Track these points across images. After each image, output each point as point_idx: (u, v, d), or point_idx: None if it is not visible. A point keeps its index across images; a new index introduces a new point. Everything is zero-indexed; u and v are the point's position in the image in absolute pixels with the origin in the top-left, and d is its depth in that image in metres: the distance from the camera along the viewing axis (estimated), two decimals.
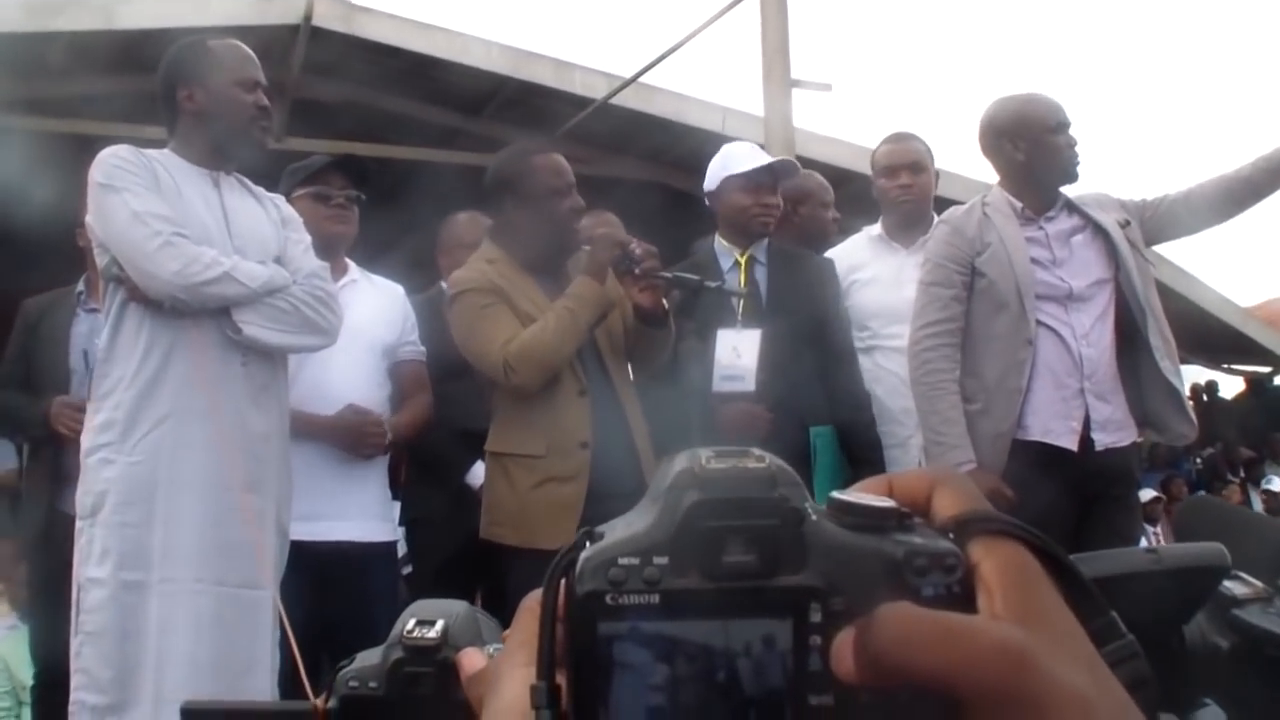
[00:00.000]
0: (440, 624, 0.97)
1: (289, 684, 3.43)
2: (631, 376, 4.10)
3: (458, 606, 1.01)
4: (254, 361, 3.49)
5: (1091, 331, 4.23)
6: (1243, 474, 14.69)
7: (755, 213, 4.56)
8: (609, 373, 4.05)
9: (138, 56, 8.80)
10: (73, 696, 3.33)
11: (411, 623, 0.98)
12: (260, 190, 3.78)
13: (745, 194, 4.58)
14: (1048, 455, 4.14)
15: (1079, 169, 4.36)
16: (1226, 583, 1.27)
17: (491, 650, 0.92)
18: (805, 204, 4.89)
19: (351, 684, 1.00)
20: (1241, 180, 4.24)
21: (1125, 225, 4.35)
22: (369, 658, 1.01)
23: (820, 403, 4.52)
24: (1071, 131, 4.33)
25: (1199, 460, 15.50)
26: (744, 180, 4.58)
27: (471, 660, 0.89)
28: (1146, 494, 10.78)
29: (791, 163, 4.86)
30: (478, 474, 4.57)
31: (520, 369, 3.87)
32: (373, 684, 0.99)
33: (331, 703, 1.01)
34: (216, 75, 3.58)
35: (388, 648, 0.99)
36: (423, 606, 1.01)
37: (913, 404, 4.59)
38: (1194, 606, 1.23)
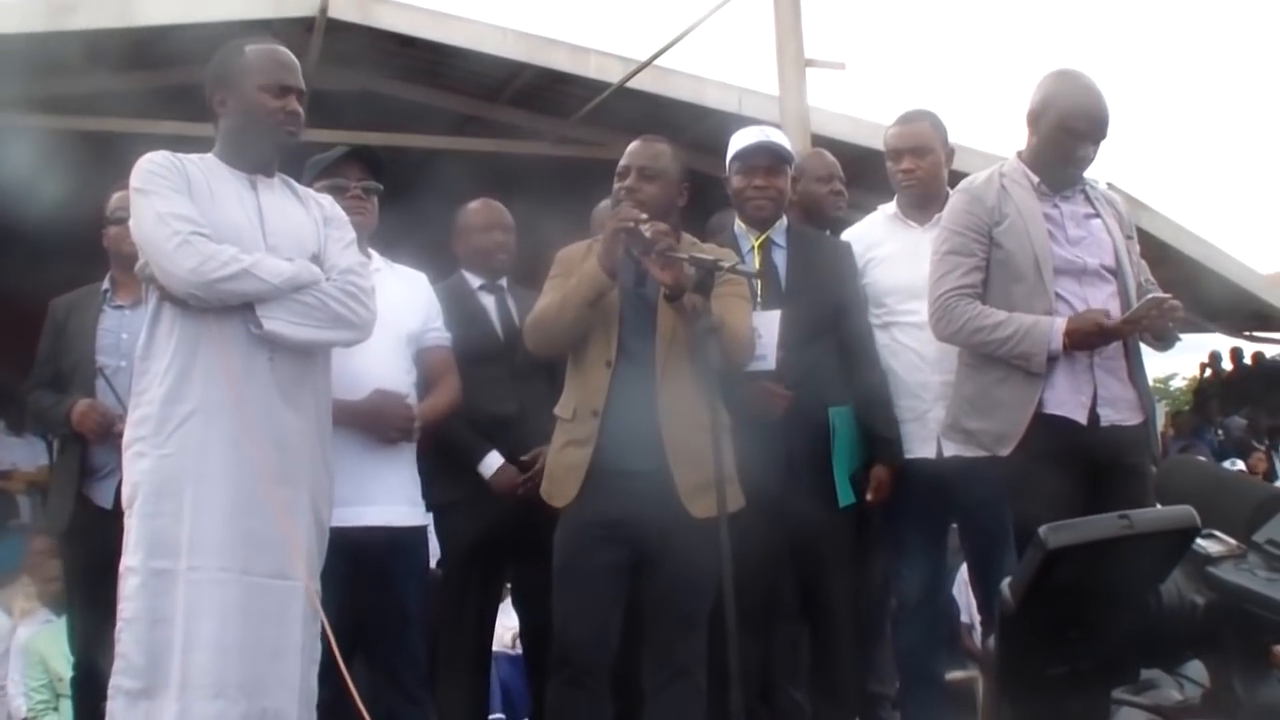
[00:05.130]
0: None
1: (327, 672, 3.52)
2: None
3: None
4: (281, 357, 3.56)
5: (1104, 307, 4.25)
6: (1267, 442, 14.65)
7: (749, 195, 4.60)
8: (653, 350, 4.12)
9: (154, 53, 8.88)
10: (111, 680, 3.44)
11: None
12: (305, 190, 3.87)
13: (740, 176, 4.63)
14: (1061, 428, 4.17)
15: (1077, 176, 4.39)
16: (1201, 541, 1.32)
17: None
18: (800, 180, 4.92)
19: None
20: None
21: (1129, 238, 4.44)
22: None
23: (839, 383, 4.56)
24: (1094, 146, 4.32)
25: (1220, 431, 15.49)
26: (739, 163, 4.64)
27: None
28: None
29: (771, 145, 4.69)
30: (490, 464, 4.68)
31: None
32: None
33: None
34: (246, 80, 3.64)
35: None
36: None
37: (930, 378, 4.65)
38: (1168, 567, 1.28)
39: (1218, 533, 1.34)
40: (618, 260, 4.02)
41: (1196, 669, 1.39)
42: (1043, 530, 1.18)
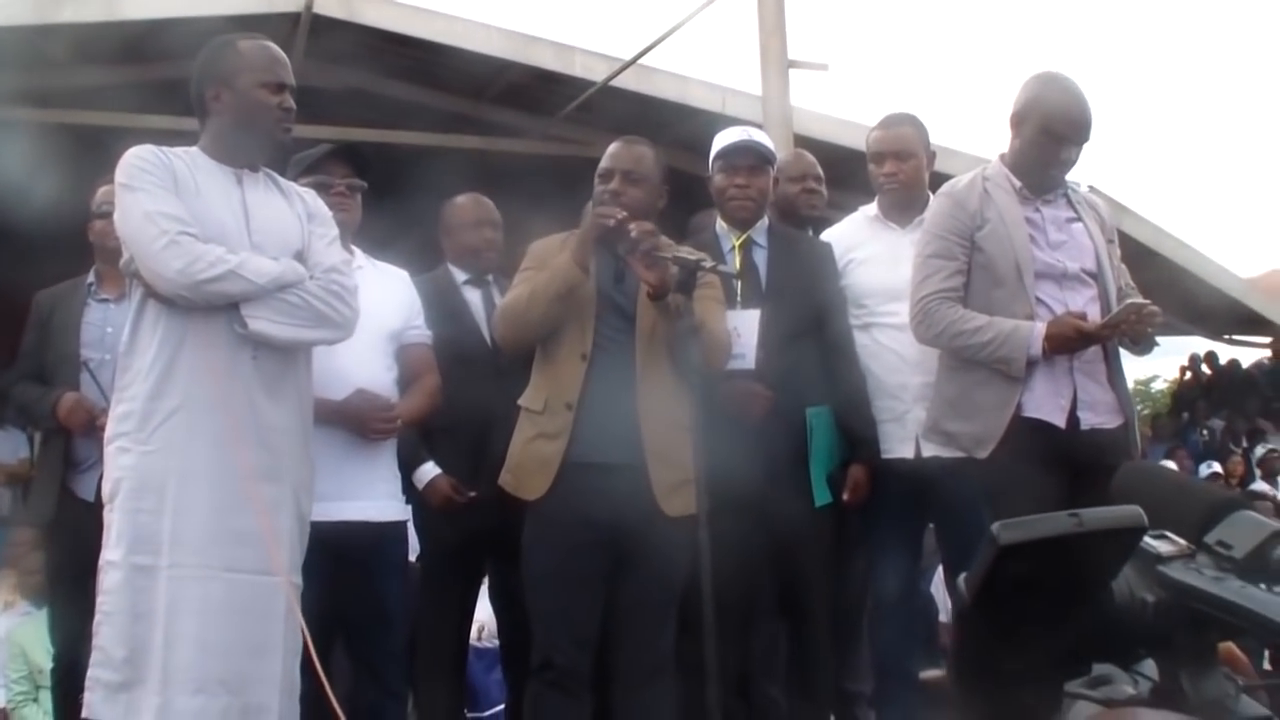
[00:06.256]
0: None
1: (308, 665, 3.54)
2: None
3: None
4: (265, 355, 3.57)
5: (1084, 310, 4.27)
6: (1245, 444, 14.72)
7: (731, 194, 4.64)
8: (630, 345, 4.13)
9: (141, 48, 8.89)
10: (89, 673, 3.45)
11: None
12: (290, 185, 3.87)
13: (722, 175, 4.67)
14: (1040, 431, 4.20)
15: (1058, 179, 4.42)
16: (1153, 542, 1.37)
17: None
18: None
19: None
20: None
21: (1110, 242, 4.46)
22: None
23: (817, 383, 4.58)
24: (1077, 149, 4.35)
25: (1205, 432, 15.54)
26: (721, 162, 4.67)
27: None
28: None
29: (754, 144, 4.72)
30: (422, 475, 4.73)
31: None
32: None
33: None
34: (243, 76, 3.64)
35: None
36: None
37: (909, 379, 4.67)
38: (1117, 564, 1.32)
39: (1169, 534, 1.38)
40: (591, 255, 4.05)
41: (1151, 666, 1.43)
42: (995, 527, 1.23)
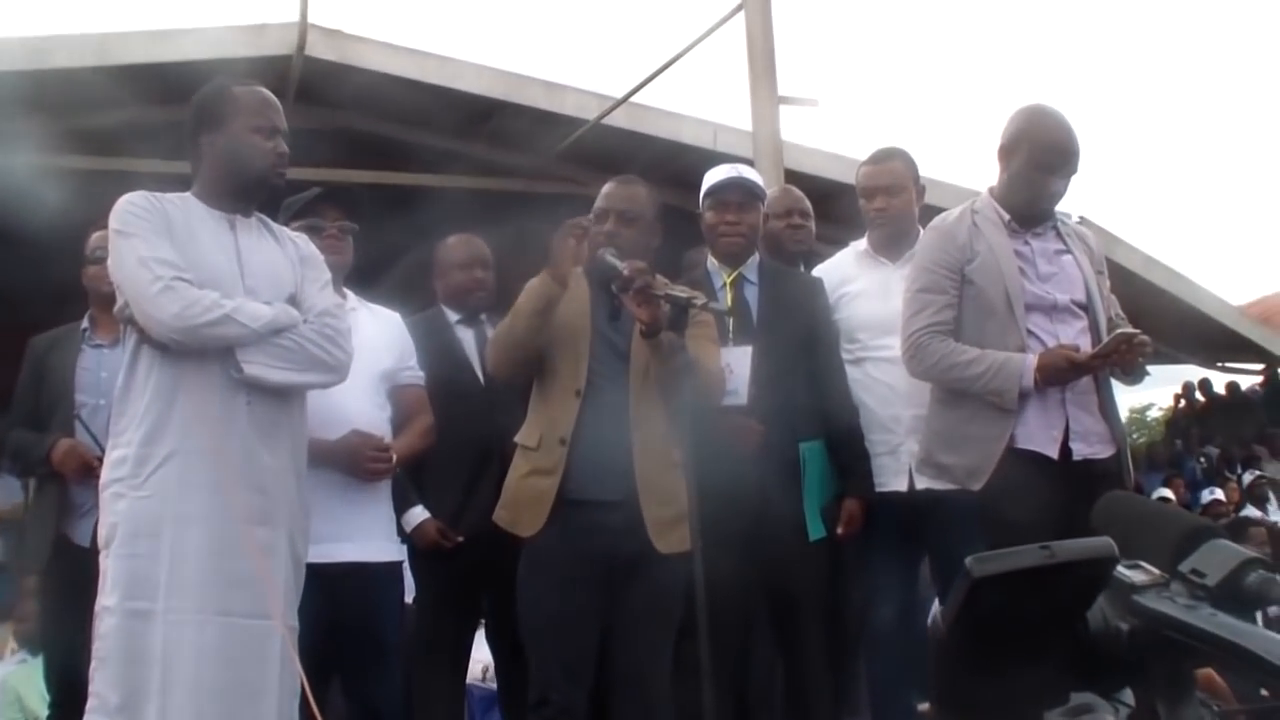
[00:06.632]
0: None
1: (304, 709, 3.54)
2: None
3: None
4: (259, 400, 3.57)
5: (1075, 342, 4.29)
6: (1239, 471, 14.72)
7: (722, 230, 4.66)
8: (624, 382, 4.16)
9: (131, 91, 8.91)
10: (85, 719, 3.44)
11: None
12: (282, 230, 3.89)
13: (713, 212, 4.69)
14: (1033, 463, 4.20)
15: (1047, 211, 4.43)
16: (1127, 571, 1.39)
17: None
18: None
19: None
20: None
21: (1099, 273, 4.47)
22: None
23: (810, 417, 4.60)
24: (1065, 181, 4.36)
25: (1203, 459, 15.54)
26: (711, 199, 4.70)
27: None
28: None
29: (743, 181, 4.77)
30: (411, 519, 4.73)
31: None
32: None
33: None
34: (236, 121, 3.66)
35: None
36: None
37: (902, 412, 4.69)
38: (1091, 595, 1.34)
39: (1143, 563, 1.40)
40: (568, 268, 4.07)
41: (1129, 697, 1.45)
42: (968, 560, 1.26)
